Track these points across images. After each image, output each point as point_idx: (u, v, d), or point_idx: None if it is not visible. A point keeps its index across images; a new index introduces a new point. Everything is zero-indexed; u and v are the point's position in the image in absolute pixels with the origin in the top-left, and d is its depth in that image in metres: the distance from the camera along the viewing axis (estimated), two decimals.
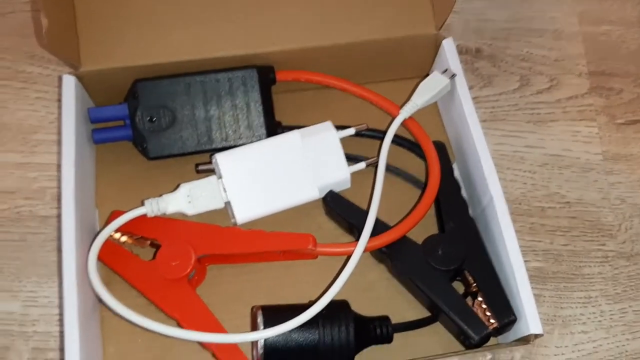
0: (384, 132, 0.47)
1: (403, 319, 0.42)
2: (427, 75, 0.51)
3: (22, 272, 0.44)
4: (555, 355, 0.44)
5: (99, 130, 0.45)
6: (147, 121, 0.44)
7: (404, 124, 0.47)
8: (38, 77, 0.50)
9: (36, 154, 0.48)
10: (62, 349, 0.41)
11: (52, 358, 0.42)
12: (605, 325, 0.45)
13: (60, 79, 0.44)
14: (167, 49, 0.46)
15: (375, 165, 0.46)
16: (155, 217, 0.43)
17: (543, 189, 0.49)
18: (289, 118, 0.48)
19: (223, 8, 0.46)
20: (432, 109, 0.50)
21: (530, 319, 0.39)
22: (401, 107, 0.47)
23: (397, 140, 0.47)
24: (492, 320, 0.40)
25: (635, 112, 0.53)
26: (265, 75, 0.46)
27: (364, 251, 0.42)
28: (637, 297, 0.46)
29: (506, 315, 0.40)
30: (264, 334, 0.38)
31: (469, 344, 0.40)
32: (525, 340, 0.39)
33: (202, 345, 0.40)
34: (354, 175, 0.45)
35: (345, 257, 0.43)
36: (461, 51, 0.53)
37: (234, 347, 0.39)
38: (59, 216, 0.45)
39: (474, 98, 0.51)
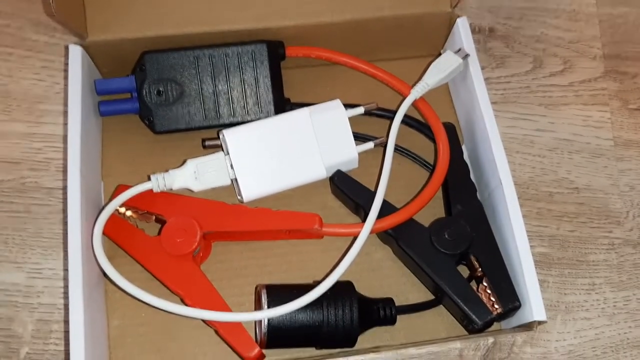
0: (394, 112, 0.46)
1: (407, 301, 0.42)
2: (440, 54, 0.50)
3: (26, 243, 0.44)
4: (557, 340, 0.44)
5: (106, 102, 0.45)
6: (155, 94, 0.44)
7: (414, 104, 0.46)
8: (44, 46, 0.49)
9: (42, 125, 0.47)
10: (66, 321, 0.41)
11: (56, 330, 0.42)
12: (608, 313, 0.45)
13: (66, 48, 0.43)
14: (176, 21, 0.45)
15: (383, 145, 0.46)
16: (161, 192, 0.42)
17: (552, 174, 0.49)
18: (298, 94, 0.47)
19: None
20: (443, 89, 0.49)
21: (534, 305, 0.39)
22: (412, 86, 0.46)
23: (407, 120, 0.47)
24: (496, 306, 0.40)
25: None
26: (275, 51, 0.46)
27: (371, 233, 0.42)
28: None
29: (510, 301, 0.40)
30: (266, 314, 0.38)
31: (472, 329, 0.40)
32: (529, 326, 0.39)
33: (206, 321, 0.40)
34: (361, 154, 0.45)
35: (351, 237, 0.43)
36: (474, 30, 0.52)
37: (237, 325, 0.39)
38: (64, 188, 0.45)
39: (486, 79, 0.50)
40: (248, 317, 0.39)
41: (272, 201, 0.43)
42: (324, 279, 0.40)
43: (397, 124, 0.45)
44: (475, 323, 0.40)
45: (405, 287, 0.43)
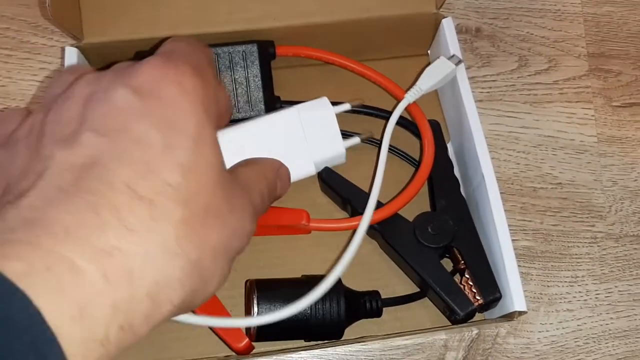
0: (381, 109, 0.48)
1: (393, 293, 0.44)
2: (426, 54, 0.52)
3: None
4: (539, 331, 0.45)
5: None
6: None
7: (399, 100, 0.48)
8: (42, 48, 0.51)
9: None
10: None
11: None
12: (590, 304, 0.46)
13: (63, 50, 0.45)
14: (169, 23, 0.46)
15: (370, 141, 0.47)
16: None
17: (536, 170, 0.50)
18: (288, 93, 0.49)
19: None
20: None
21: (515, 296, 0.40)
22: (406, 91, 0.47)
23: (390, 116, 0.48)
24: (477, 297, 0.41)
25: (633, 94, 0.53)
26: (266, 50, 0.47)
27: (356, 227, 0.43)
28: (623, 278, 0.47)
29: (491, 292, 0.41)
30: (256, 321, 0.39)
31: (455, 319, 0.42)
32: (510, 317, 0.40)
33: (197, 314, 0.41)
34: (349, 152, 0.46)
35: (338, 232, 0.45)
36: (461, 30, 0.54)
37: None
38: None
39: (472, 78, 0.52)
40: (239, 323, 0.40)
41: None
42: (314, 277, 0.41)
43: (391, 129, 0.45)
44: (457, 314, 0.41)
45: (391, 280, 0.44)
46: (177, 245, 0.25)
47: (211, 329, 0.41)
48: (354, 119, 0.48)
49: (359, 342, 0.41)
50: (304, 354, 0.41)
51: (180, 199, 0.26)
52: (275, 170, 0.37)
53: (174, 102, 0.27)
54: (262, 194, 0.34)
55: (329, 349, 0.41)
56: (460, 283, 0.42)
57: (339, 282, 0.42)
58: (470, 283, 0.42)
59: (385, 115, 0.48)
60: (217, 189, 0.28)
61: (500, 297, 0.41)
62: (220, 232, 0.28)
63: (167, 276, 0.25)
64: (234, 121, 0.47)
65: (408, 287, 0.44)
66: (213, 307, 0.41)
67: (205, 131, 0.28)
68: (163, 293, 0.25)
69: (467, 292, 0.42)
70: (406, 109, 0.48)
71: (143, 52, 0.45)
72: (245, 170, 0.34)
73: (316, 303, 0.40)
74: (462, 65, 0.46)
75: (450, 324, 0.43)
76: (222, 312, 0.41)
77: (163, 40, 0.45)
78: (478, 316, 0.43)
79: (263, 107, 0.47)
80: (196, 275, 0.26)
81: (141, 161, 0.26)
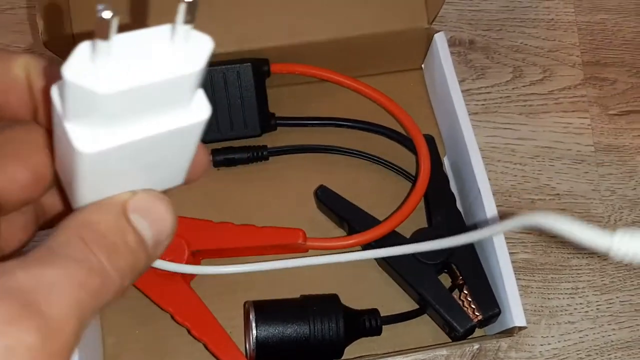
0: (373, 124, 0.48)
1: (392, 311, 0.43)
2: (420, 68, 0.52)
3: None
4: (541, 345, 0.45)
5: None
6: None
7: (395, 116, 0.48)
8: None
9: None
10: None
11: None
12: (591, 316, 0.46)
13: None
14: None
15: (361, 155, 0.47)
16: None
17: (533, 181, 0.50)
18: (284, 111, 0.49)
19: (215, 6, 0.46)
20: (423, 101, 0.51)
21: (514, 311, 0.40)
22: None
23: (388, 132, 0.48)
24: (477, 313, 0.41)
25: (629, 102, 0.53)
26: (260, 69, 0.47)
27: (354, 245, 0.44)
28: (624, 288, 0.47)
29: (490, 308, 0.41)
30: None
31: (455, 336, 0.41)
32: (510, 332, 0.40)
33: (196, 337, 0.41)
34: (347, 169, 0.46)
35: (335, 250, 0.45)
36: (454, 43, 0.54)
37: (227, 340, 0.40)
38: None
39: (466, 90, 0.52)
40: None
41: (258, 218, 0.44)
42: (312, 296, 0.41)
43: None
44: (456, 330, 0.41)
45: (390, 298, 0.44)
46: None
47: (210, 352, 0.41)
48: (348, 134, 0.48)
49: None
50: None
51: None
52: (116, 211, 0.20)
53: None
54: (84, 287, 0.18)
55: None
56: (459, 299, 0.42)
57: (337, 301, 0.42)
58: (469, 299, 0.41)
59: (379, 130, 0.48)
60: None
61: (499, 313, 0.41)
62: None
63: None
64: (228, 139, 0.47)
65: (407, 304, 0.44)
66: (212, 329, 0.41)
67: None
68: None
69: (466, 308, 0.41)
70: (397, 118, 0.48)
71: None
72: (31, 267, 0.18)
73: (315, 322, 0.40)
74: (454, 79, 0.46)
75: (450, 340, 0.43)
76: (222, 335, 0.40)
77: None
78: (478, 331, 0.43)
79: (258, 125, 0.47)
80: None
81: None
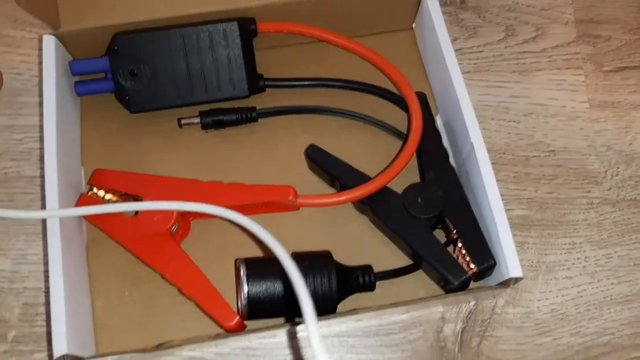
0: (366, 84, 0.47)
1: (386, 268, 0.43)
2: (411, 28, 0.51)
3: (10, 231, 0.45)
4: (539, 300, 0.44)
5: (82, 82, 0.46)
6: (128, 75, 0.45)
7: (386, 73, 0.47)
8: (21, 41, 0.50)
9: (21, 117, 0.48)
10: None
11: (41, 312, 0.42)
12: (589, 271, 0.45)
13: (40, 40, 0.44)
14: (146, 7, 0.45)
15: (357, 116, 0.47)
16: (139, 174, 0.43)
17: (527, 138, 0.49)
18: (271, 74, 0.48)
19: None
20: (415, 61, 0.50)
21: (509, 263, 0.39)
22: None
23: (379, 91, 0.47)
24: (471, 265, 0.40)
25: (623, 59, 0.52)
26: (246, 28, 0.46)
27: (345, 202, 0.43)
28: (622, 243, 0.46)
29: (485, 260, 0.40)
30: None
31: (450, 289, 0.41)
32: (506, 284, 0.39)
33: (187, 296, 0.40)
34: (337, 130, 0.46)
35: (326, 208, 0.44)
36: (445, 2, 0.53)
37: (218, 298, 0.40)
38: (42, 177, 0.46)
39: (458, 50, 0.51)
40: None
41: (248, 178, 0.43)
42: (303, 253, 0.40)
43: None
44: (451, 283, 0.40)
45: (384, 255, 0.43)
46: None
47: (202, 309, 0.40)
48: (338, 94, 0.47)
49: (355, 315, 0.40)
50: (298, 328, 0.40)
51: None
52: None
53: None
54: None
55: (323, 322, 0.40)
56: (454, 253, 0.41)
57: (330, 257, 0.41)
58: (464, 252, 0.41)
59: (371, 90, 0.47)
60: None
61: (494, 264, 0.40)
62: None
63: None
64: (217, 101, 0.46)
65: (401, 261, 0.43)
66: (202, 288, 0.40)
67: None
68: None
69: (460, 262, 0.41)
70: (389, 76, 0.47)
71: (122, 33, 0.45)
72: None
73: (307, 278, 0.40)
74: (447, 37, 0.45)
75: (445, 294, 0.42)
76: (212, 293, 0.40)
77: (141, 24, 0.45)
78: (474, 286, 0.42)
79: (246, 86, 0.46)
80: None
81: None
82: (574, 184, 0.48)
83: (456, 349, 0.42)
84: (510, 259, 0.39)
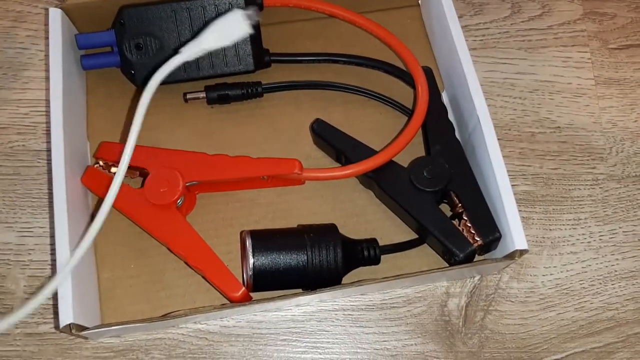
0: (367, 58, 0.47)
1: (391, 241, 0.43)
2: (417, 4, 0.51)
3: (16, 204, 0.45)
4: (543, 275, 0.44)
5: (88, 56, 0.46)
6: (134, 48, 0.44)
7: (392, 47, 0.47)
8: (27, 16, 0.50)
9: (27, 91, 0.48)
10: None
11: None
12: (594, 246, 0.45)
13: (46, 13, 0.44)
14: None
15: (359, 91, 0.46)
16: (144, 147, 0.43)
17: (533, 115, 0.49)
18: (277, 49, 0.48)
19: None
20: (420, 38, 0.50)
21: (515, 235, 0.39)
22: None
23: (385, 67, 0.47)
24: (477, 238, 0.40)
25: (629, 36, 0.52)
26: (253, 1, 0.46)
27: (351, 176, 0.43)
28: (627, 219, 0.46)
29: (491, 232, 0.40)
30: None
31: (455, 262, 0.41)
32: (511, 257, 0.39)
33: (194, 268, 0.41)
34: (342, 105, 0.46)
35: (332, 181, 0.44)
36: None
37: (223, 268, 0.40)
38: (49, 150, 0.46)
39: (464, 26, 0.51)
40: None
41: (255, 154, 0.43)
42: (310, 226, 0.40)
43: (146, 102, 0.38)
44: (456, 255, 0.40)
45: (389, 229, 0.44)
46: None
47: (207, 280, 0.40)
48: (343, 70, 0.47)
49: (359, 288, 0.40)
50: (303, 300, 0.41)
51: None
52: None
53: None
54: None
55: (328, 294, 0.40)
56: (459, 227, 0.41)
57: (335, 230, 0.41)
58: (469, 225, 0.41)
59: (370, 63, 0.47)
60: None
61: (499, 237, 0.40)
62: None
63: None
64: (222, 76, 0.46)
65: (406, 235, 0.43)
66: (208, 259, 0.40)
67: None
68: None
69: (465, 234, 0.41)
70: (395, 51, 0.47)
71: (128, 6, 0.44)
72: None
73: (313, 250, 0.40)
74: (454, 13, 0.45)
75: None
76: (218, 264, 0.40)
77: None
78: (478, 259, 0.42)
79: (252, 60, 0.46)
80: None
81: None
82: (579, 160, 0.47)
83: (460, 323, 0.43)
84: (515, 232, 0.39)
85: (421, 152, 0.45)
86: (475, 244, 0.40)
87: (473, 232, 0.40)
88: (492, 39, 0.51)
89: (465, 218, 0.41)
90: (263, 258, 0.39)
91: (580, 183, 0.47)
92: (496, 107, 0.49)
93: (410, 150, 0.44)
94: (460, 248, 0.40)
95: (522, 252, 0.39)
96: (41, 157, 0.46)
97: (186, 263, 0.41)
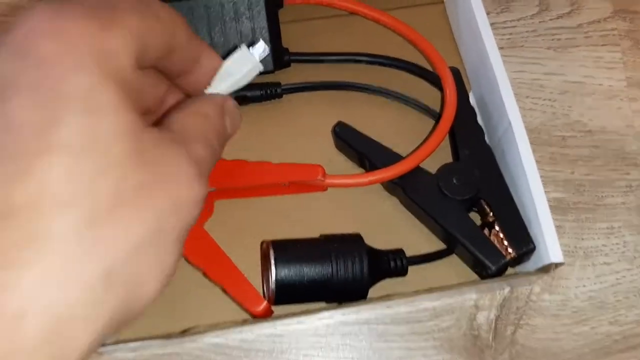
0: (394, 59, 0.45)
1: (417, 252, 0.41)
2: (442, 1, 0.49)
3: None
4: (576, 287, 0.42)
5: None
6: None
7: (418, 46, 0.45)
8: None
9: None
10: None
11: None
12: (628, 257, 0.43)
13: None
14: None
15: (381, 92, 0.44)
16: None
17: (563, 118, 0.47)
18: (297, 47, 0.46)
19: None
20: (446, 36, 0.48)
21: (550, 247, 0.37)
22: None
23: (409, 67, 0.45)
24: (509, 250, 0.38)
25: None
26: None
27: (376, 182, 0.41)
28: None
29: (524, 244, 0.38)
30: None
31: (486, 275, 0.39)
32: (545, 270, 0.38)
33: (212, 280, 0.39)
34: (364, 107, 0.44)
35: (355, 188, 0.42)
36: None
37: (244, 282, 0.38)
38: None
39: (491, 24, 0.48)
40: None
41: (274, 158, 0.41)
42: (333, 236, 0.38)
43: None
44: (488, 268, 0.38)
45: (415, 239, 0.42)
46: (76, 261, 0.20)
47: (227, 294, 0.38)
48: (366, 70, 0.45)
49: (385, 302, 0.38)
50: (326, 314, 0.39)
51: (70, 197, 0.20)
52: (218, 106, 0.30)
53: (51, 60, 0.21)
54: (206, 140, 0.27)
55: (352, 308, 0.38)
56: (490, 237, 0.39)
57: (361, 240, 0.39)
58: (501, 236, 0.39)
59: (399, 65, 0.45)
60: (130, 159, 0.21)
61: (534, 249, 0.38)
62: (144, 217, 0.22)
63: (71, 305, 0.20)
64: None
65: (433, 244, 0.41)
66: (228, 271, 0.38)
67: (99, 92, 0.21)
68: (71, 329, 0.20)
69: (497, 246, 0.39)
70: (422, 51, 0.45)
71: None
72: (178, 117, 0.27)
73: (338, 262, 0.38)
74: (482, 10, 0.43)
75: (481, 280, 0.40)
76: (238, 276, 0.38)
77: None
78: (510, 272, 0.40)
79: (271, 60, 0.44)
80: (118, 285, 0.21)
81: (10, 156, 0.20)
82: (612, 166, 0.46)
83: (490, 337, 0.41)
84: (551, 244, 0.37)
85: (447, 157, 0.43)
86: (509, 257, 0.38)
87: (505, 243, 0.38)
88: (520, 38, 0.49)
89: (497, 228, 0.39)
90: (286, 270, 0.38)
91: (614, 190, 0.45)
92: (525, 109, 0.47)
93: (435, 155, 0.42)
94: (492, 260, 0.38)
95: (557, 265, 0.37)
96: None
97: (204, 275, 0.39)
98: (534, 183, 0.38)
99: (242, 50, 0.33)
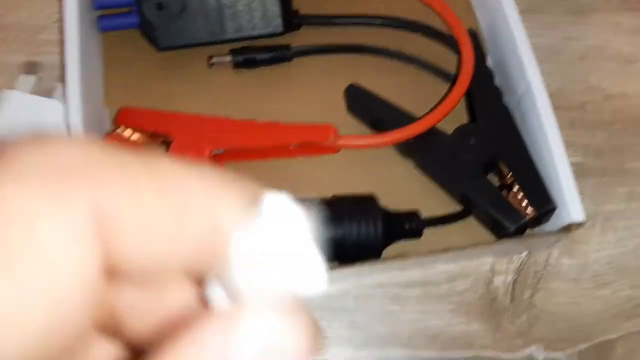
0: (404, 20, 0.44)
1: (432, 214, 0.40)
2: None
3: None
4: (596, 251, 0.41)
5: (105, 16, 0.43)
6: (155, 8, 0.41)
7: (433, 7, 0.43)
8: None
9: (41, 54, 0.45)
10: None
11: None
12: None
13: None
14: None
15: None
16: (167, 112, 0.40)
17: (583, 83, 0.45)
18: (309, 9, 0.45)
19: None
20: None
21: (571, 206, 0.36)
22: None
23: (423, 29, 0.44)
24: (529, 209, 0.37)
25: None
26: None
27: (390, 144, 0.40)
28: None
29: (545, 203, 0.37)
30: None
31: (505, 235, 0.38)
32: (566, 230, 0.36)
33: None
34: (376, 68, 0.42)
35: (368, 150, 0.41)
36: None
37: None
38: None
39: None
40: None
41: (283, 120, 0.40)
42: (345, 196, 0.37)
43: None
44: (507, 228, 0.37)
45: (430, 201, 0.40)
46: None
47: None
48: (378, 33, 0.44)
49: (399, 263, 0.37)
50: (339, 276, 0.38)
51: None
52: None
53: None
54: None
55: (366, 270, 0.37)
56: (508, 198, 0.38)
57: (374, 201, 0.38)
58: (520, 196, 0.38)
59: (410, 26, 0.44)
60: None
61: (554, 208, 0.37)
62: None
63: None
64: (249, 39, 0.43)
65: (448, 207, 0.40)
66: None
67: None
68: None
69: (516, 206, 0.37)
70: (438, 12, 0.44)
71: None
72: None
73: (351, 222, 0.37)
74: None
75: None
76: None
77: None
78: (528, 234, 0.39)
79: (281, 22, 0.43)
80: None
81: None
82: (632, 131, 0.44)
83: (507, 301, 0.39)
84: (571, 202, 0.36)
85: (463, 120, 0.42)
86: (528, 216, 0.37)
87: (524, 203, 0.37)
88: (538, 2, 0.48)
89: (516, 189, 0.38)
90: None
91: (635, 155, 0.44)
92: (544, 74, 0.45)
93: (450, 118, 0.41)
94: (511, 220, 0.37)
95: (578, 225, 0.36)
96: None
97: None
98: (554, 142, 0.37)
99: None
